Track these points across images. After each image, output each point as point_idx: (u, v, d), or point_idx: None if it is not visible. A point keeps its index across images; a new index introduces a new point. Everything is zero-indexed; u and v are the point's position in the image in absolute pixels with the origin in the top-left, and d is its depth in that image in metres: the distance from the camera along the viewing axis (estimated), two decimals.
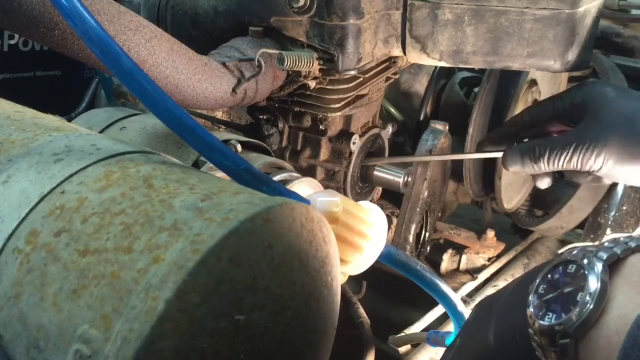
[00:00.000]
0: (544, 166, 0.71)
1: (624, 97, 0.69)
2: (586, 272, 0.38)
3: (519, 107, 1.00)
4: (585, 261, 0.39)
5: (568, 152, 0.68)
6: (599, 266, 0.38)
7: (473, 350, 0.45)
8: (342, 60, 0.74)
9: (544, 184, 0.77)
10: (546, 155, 0.70)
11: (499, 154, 0.78)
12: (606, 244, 0.40)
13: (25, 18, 0.55)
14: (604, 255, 0.38)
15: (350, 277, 0.53)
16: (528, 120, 0.77)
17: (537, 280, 0.41)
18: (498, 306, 0.45)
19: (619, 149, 0.66)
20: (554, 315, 0.38)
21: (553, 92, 1.11)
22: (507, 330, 0.42)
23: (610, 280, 0.37)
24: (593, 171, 0.69)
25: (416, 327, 0.88)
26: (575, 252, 0.40)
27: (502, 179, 0.99)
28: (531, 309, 0.40)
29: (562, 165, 0.70)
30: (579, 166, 0.68)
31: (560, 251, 1.16)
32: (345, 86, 0.81)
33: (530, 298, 0.40)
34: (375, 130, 0.92)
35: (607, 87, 0.71)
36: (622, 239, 0.40)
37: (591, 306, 0.37)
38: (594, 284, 0.37)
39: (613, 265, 0.38)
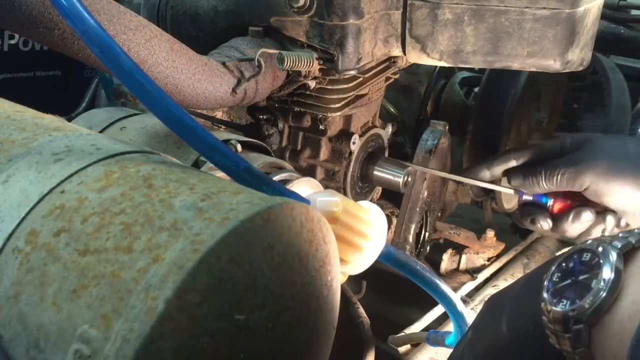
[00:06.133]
0: (542, 184, 0.81)
1: (605, 138, 0.83)
2: (601, 260, 0.39)
3: (519, 107, 1.00)
4: (600, 249, 0.39)
5: (561, 172, 0.79)
6: (613, 254, 0.38)
7: (485, 342, 0.45)
8: (342, 60, 0.74)
9: (545, 225, 0.84)
10: (543, 174, 0.81)
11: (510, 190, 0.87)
12: (621, 234, 0.40)
13: (25, 18, 0.55)
14: (619, 244, 0.39)
15: (350, 277, 0.53)
16: (519, 157, 0.88)
17: (552, 269, 0.41)
18: (511, 298, 0.45)
19: (602, 171, 0.77)
20: (568, 302, 0.39)
21: (553, 92, 1.12)
22: (521, 320, 0.43)
23: (625, 269, 0.38)
24: (581, 190, 0.79)
25: (416, 327, 0.88)
26: (590, 241, 0.41)
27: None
28: (545, 296, 0.40)
29: (558, 184, 0.80)
30: (570, 185, 0.79)
31: (558, 253, 1.16)
32: (345, 86, 0.81)
33: (544, 285, 0.41)
34: (375, 130, 0.92)
35: (593, 134, 0.86)
36: (636, 230, 0.41)
37: (604, 293, 0.37)
38: (607, 271, 0.38)
39: (628, 254, 0.39)
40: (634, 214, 0.79)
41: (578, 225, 0.81)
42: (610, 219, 0.80)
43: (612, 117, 1.04)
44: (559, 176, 0.79)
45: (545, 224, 0.83)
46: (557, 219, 0.82)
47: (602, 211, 0.80)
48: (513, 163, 0.86)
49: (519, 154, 0.87)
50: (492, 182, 0.89)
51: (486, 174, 0.88)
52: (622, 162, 0.77)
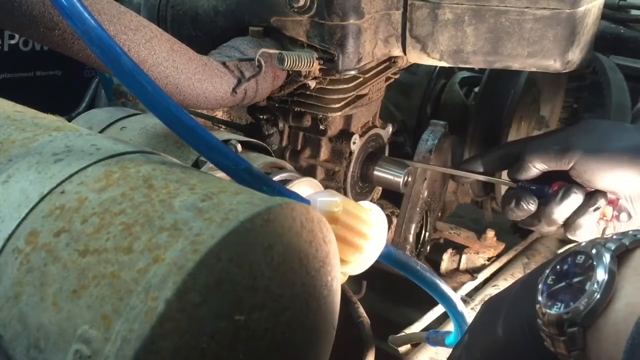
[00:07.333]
0: (533, 162, 0.79)
1: (600, 120, 0.83)
2: (594, 262, 0.39)
3: (519, 107, 1.00)
4: (594, 252, 0.39)
5: (546, 151, 0.78)
6: (607, 257, 0.38)
7: (482, 346, 0.45)
8: (342, 60, 0.74)
9: (532, 206, 0.82)
10: (534, 153, 0.79)
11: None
12: (615, 236, 0.40)
13: (25, 18, 0.55)
14: (612, 246, 0.39)
15: (350, 277, 0.53)
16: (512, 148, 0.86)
17: (547, 272, 0.41)
18: (507, 301, 0.45)
19: (593, 147, 0.75)
20: (563, 305, 0.39)
21: (553, 92, 1.12)
22: (516, 323, 0.43)
23: (618, 271, 0.38)
24: (569, 165, 0.77)
25: (416, 327, 0.88)
26: (584, 243, 0.41)
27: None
28: (540, 299, 0.40)
29: (544, 163, 0.78)
30: (558, 160, 0.77)
31: (559, 251, 1.16)
32: (345, 86, 0.81)
33: (539, 289, 0.41)
34: (375, 130, 0.92)
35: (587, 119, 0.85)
36: (630, 231, 0.40)
37: (598, 296, 0.37)
38: (601, 274, 0.38)
39: (621, 256, 0.39)
40: (624, 197, 0.76)
41: (567, 205, 0.77)
42: (601, 200, 0.76)
43: (612, 117, 1.04)
44: (548, 150, 0.77)
45: (532, 205, 0.79)
46: (545, 201, 0.79)
47: (592, 192, 0.77)
48: (505, 153, 0.85)
49: (512, 145, 0.85)
50: (491, 176, 0.88)
51: (479, 167, 0.87)
52: (616, 142, 0.74)
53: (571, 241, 1.13)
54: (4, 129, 0.44)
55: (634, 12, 1.36)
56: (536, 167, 0.80)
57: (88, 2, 0.55)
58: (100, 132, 0.71)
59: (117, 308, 0.32)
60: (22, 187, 0.39)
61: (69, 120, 0.59)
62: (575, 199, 0.77)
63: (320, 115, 0.84)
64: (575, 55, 0.74)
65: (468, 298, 0.97)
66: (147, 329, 0.31)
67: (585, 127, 0.78)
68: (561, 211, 0.77)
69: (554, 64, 0.74)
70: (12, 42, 1.10)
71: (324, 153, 0.88)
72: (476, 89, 1.11)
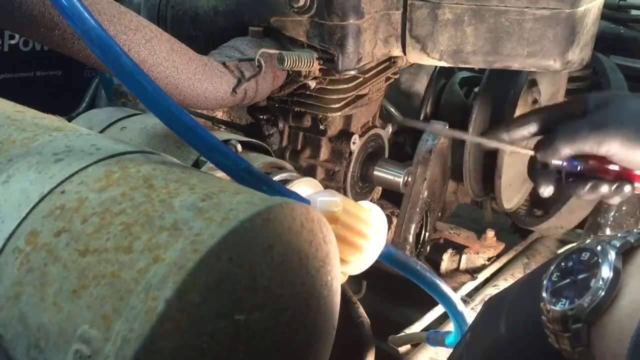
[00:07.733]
0: (565, 149, 0.73)
1: (630, 97, 0.74)
2: (599, 259, 0.39)
3: (519, 107, 1.00)
4: (599, 249, 0.39)
5: (585, 135, 0.71)
6: (612, 254, 0.39)
7: (484, 343, 0.45)
8: (342, 60, 0.74)
9: (547, 191, 0.78)
10: (566, 139, 0.72)
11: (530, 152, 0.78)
12: (620, 233, 0.40)
13: (25, 18, 0.55)
14: (618, 244, 0.39)
15: (350, 277, 0.53)
16: (539, 120, 0.79)
17: (552, 268, 0.41)
18: (509, 299, 0.45)
19: (629, 134, 0.69)
20: (567, 301, 0.39)
21: (553, 92, 1.11)
22: (520, 320, 0.43)
23: (624, 268, 0.38)
24: (607, 155, 0.71)
25: (416, 327, 0.88)
26: (589, 240, 0.41)
27: (502, 178, 0.99)
28: (545, 296, 0.40)
29: (580, 147, 0.72)
30: (595, 150, 0.71)
31: (559, 251, 1.16)
32: (345, 86, 0.81)
33: (544, 285, 0.41)
34: (375, 130, 0.92)
35: (615, 93, 0.77)
36: (635, 230, 0.41)
37: (603, 293, 0.37)
38: (606, 271, 0.38)
39: (626, 254, 0.39)
40: None
41: (593, 195, 0.75)
42: (628, 188, 0.74)
43: None
44: (583, 140, 0.72)
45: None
46: (572, 184, 0.76)
47: (619, 182, 0.74)
48: (533, 126, 0.79)
49: (538, 117, 0.79)
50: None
51: (505, 138, 0.81)
52: None
53: (572, 242, 1.13)
54: (4, 129, 0.44)
55: (634, 12, 1.36)
56: (567, 154, 0.75)
57: (88, 2, 0.55)
58: (101, 132, 0.71)
59: (117, 308, 0.32)
60: (23, 187, 0.39)
61: (69, 120, 0.59)
62: (627, 191, 0.74)
63: (320, 115, 0.84)
64: (575, 55, 0.74)
65: (468, 298, 0.97)
66: (147, 329, 0.31)
67: (617, 109, 0.73)
68: (587, 197, 0.76)
69: (553, 64, 0.74)
70: (12, 42, 1.10)
71: (324, 153, 0.88)
72: (476, 89, 1.11)
